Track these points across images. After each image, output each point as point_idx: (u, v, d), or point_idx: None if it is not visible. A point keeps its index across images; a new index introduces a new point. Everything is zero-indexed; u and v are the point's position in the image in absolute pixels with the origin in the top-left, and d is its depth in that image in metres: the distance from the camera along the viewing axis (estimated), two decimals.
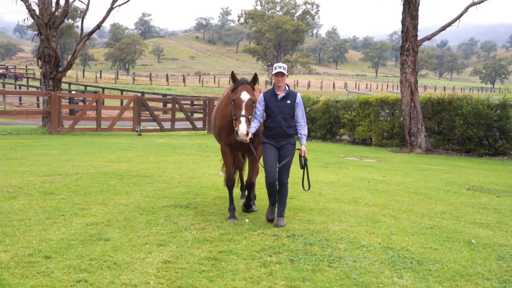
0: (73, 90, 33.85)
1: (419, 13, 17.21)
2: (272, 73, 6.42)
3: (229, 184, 7.03)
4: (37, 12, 19.95)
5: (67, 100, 27.91)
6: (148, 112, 22.57)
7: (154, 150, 15.30)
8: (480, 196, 9.31)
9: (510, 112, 16.55)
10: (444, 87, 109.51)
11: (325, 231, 6.38)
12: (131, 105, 21.30)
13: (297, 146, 6.57)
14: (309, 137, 22.69)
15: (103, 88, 42.32)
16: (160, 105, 29.27)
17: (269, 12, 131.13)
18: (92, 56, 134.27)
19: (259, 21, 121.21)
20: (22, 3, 20.09)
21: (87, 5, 21.17)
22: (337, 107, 21.49)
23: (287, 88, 6.58)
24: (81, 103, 30.76)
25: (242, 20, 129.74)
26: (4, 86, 41.26)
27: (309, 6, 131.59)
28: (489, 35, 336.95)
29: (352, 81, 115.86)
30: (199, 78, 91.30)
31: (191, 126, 23.49)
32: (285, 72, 6.42)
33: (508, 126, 16.36)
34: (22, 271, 4.57)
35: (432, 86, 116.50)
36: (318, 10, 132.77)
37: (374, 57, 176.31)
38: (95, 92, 34.18)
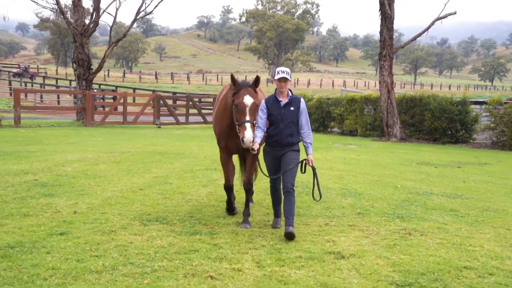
0: (94, 89, 37.32)
1: (394, 25, 20.80)
2: (275, 78, 6.14)
3: (228, 188, 6.94)
4: (73, 24, 23.54)
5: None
6: (164, 108, 26.17)
7: (177, 138, 18.88)
8: (423, 167, 12.87)
9: (468, 107, 20.11)
10: (440, 85, 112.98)
11: (307, 181, 9.92)
12: (151, 102, 24.94)
13: (303, 156, 6.38)
14: None
15: (116, 87, 45.84)
16: (176, 102, 32.85)
17: (270, 11, 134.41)
18: (96, 54, 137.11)
19: (261, 20, 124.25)
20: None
21: (115, 17, 24.81)
22: (328, 104, 25.10)
23: (290, 94, 6.29)
24: (100, 100, 34.26)
25: (243, 19, 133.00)
26: (25, 85, 44.72)
27: (309, 6, 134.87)
28: (489, 33, 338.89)
29: (351, 79, 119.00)
30: (203, 76, 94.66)
31: (202, 120, 27.12)
32: (289, 78, 6.11)
33: (467, 119, 19.93)
34: (131, 194, 8.13)
35: (429, 83, 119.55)
36: (318, 10, 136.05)
37: (374, 55, 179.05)
38: (112, 91, 37.77)
